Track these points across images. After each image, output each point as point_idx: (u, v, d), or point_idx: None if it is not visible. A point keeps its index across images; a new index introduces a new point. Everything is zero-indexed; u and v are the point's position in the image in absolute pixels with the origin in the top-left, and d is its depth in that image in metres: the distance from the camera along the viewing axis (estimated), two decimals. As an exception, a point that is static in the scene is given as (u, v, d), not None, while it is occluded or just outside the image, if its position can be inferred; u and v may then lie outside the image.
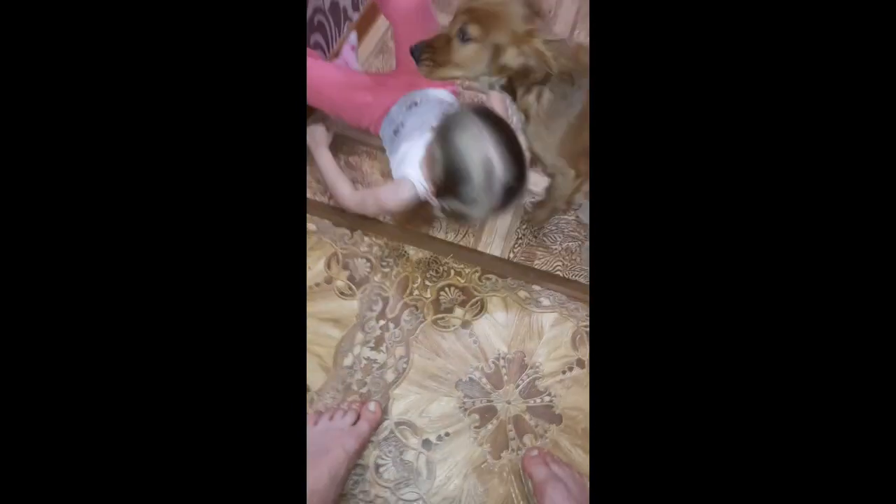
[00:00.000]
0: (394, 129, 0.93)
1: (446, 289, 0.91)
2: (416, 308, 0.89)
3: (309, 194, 1.01)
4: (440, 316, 0.88)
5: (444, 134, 0.75)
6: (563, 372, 0.84)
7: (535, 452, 0.75)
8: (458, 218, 0.85)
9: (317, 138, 0.98)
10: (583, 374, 0.84)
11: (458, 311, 0.89)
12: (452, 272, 0.93)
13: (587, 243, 0.99)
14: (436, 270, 0.93)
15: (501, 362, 0.84)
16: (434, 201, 0.82)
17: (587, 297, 0.91)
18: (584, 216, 1.02)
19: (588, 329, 0.88)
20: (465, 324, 0.88)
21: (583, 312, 0.90)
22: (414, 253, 0.95)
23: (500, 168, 0.72)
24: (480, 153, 0.72)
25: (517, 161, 0.74)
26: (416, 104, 0.92)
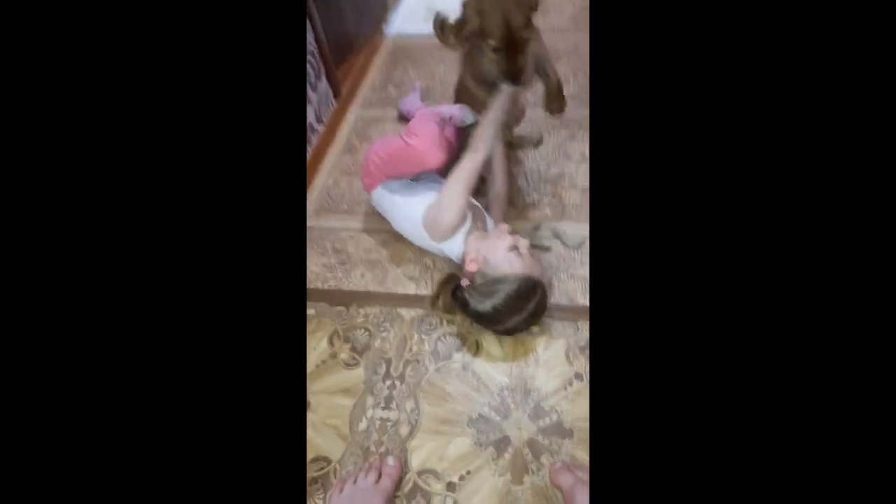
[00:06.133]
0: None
1: (442, 338, 0.98)
2: (418, 361, 0.95)
3: (308, 284, 1.11)
4: (441, 364, 0.94)
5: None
6: (565, 388, 0.88)
7: (559, 465, 0.77)
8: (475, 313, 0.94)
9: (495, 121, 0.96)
10: (582, 386, 0.88)
11: (457, 356, 0.95)
12: (445, 322, 1.00)
13: (564, 273, 1.07)
14: (429, 324, 1.01)
15: (506, 392, 0.89)
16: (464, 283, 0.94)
17: (570, 316, 0.98)
18: (565, 243, 1.11)
19: (579, 344, 0.94)
20: (466, 365, 0.93)
21: (569, 329, 0.96)
22: (406, 313, 1.03)
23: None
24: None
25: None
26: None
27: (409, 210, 1.03)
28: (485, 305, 0.89)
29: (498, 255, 0.91)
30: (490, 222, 1.08)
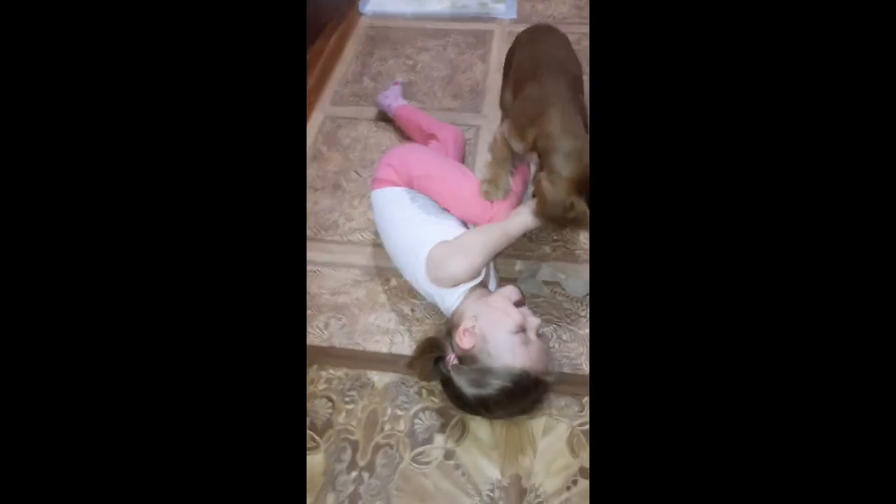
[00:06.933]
0: None
1: (420, 414, 0.82)
2: (391, 447, 0.78)
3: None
4: (419, 451, 0.78)
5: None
6: (568, 488, 0.74)
7: None
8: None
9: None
10: (589, 487, 0.74)
11: (439, 439, 0.79)
12: (424, 392, 0.84)
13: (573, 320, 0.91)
14: (405, 395, 0.84)
15: (497, 493, 0.74)
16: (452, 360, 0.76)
17: (573, 389, 0.83)
18: (567, 291, 0.95)
19: (584, 427, 0.79)
20: (449, 454, 0.77)
21: (574, 409, 0.81)
22: (378, 378, 0.86)
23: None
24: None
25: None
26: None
27: (419, 233, 0.84)
28: (469, 392, 0.73)
29: (500, 337, 0.73)
30: (494, 276, 0.90)
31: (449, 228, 0.84)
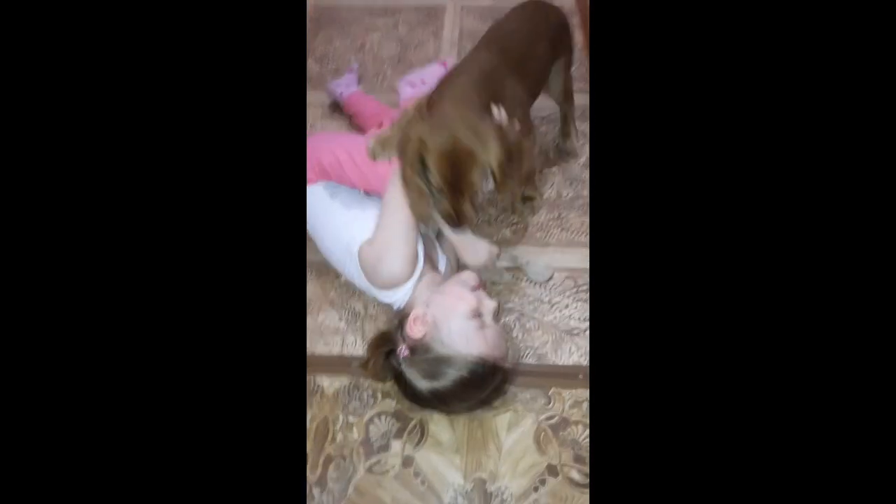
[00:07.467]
0: None
1: (376, 419, 0.75)
2: (344, 458, 0.72)
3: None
4: (374, 460, 0.71)
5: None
6: (535, 489, 0.69)
7: None
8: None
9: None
10: (558, 484, 0.69)
11: (396, 446, 0.73)
12: (380, 395, 0.77)
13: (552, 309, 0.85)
14: (358, 399, 0.77)
15: (460, 500, 0.68)
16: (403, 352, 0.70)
17: (539, 381, 0.77)
18: (529, 276, 0.89)
19: (551, 422, 0.74)
20: (407, 460, 0.71)
21: (540, 402, 0.76)
22: (328, 383, 0.79)
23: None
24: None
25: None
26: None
27: (345, 236, 0.77)
28: (422, 385, 0.67)
29: (453, 323, 0.67)
30: (443, 259, 0.84)
31: (372, 219, 0.77)
